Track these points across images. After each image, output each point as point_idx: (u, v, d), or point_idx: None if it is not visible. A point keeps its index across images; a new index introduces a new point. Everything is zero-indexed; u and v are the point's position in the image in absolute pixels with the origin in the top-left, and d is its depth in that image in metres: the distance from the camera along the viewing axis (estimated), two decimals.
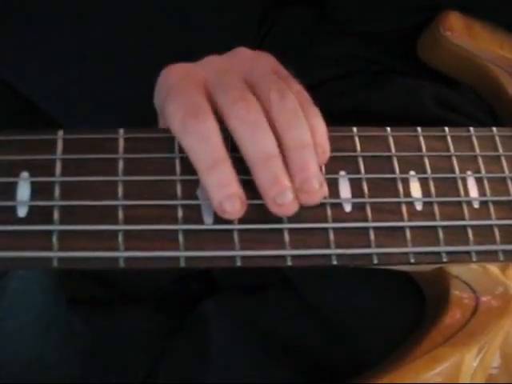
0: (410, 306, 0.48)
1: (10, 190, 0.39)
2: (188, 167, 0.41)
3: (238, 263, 0.40)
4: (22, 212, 0.38)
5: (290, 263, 0.40)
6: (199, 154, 0.40)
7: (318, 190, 0.40)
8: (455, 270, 0.45)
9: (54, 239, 0.38)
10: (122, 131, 0.41)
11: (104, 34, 0.57)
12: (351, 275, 0.49)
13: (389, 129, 0.44)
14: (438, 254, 0.41)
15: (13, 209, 0.38)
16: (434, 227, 0.42)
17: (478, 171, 0.44)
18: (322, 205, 0.41)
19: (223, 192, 0.39)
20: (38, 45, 0.57)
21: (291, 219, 0.40)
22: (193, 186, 0.40)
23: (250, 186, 0.40)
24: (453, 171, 0.44)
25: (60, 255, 0.38)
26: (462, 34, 0.50)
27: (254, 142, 0.40)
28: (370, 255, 0.41)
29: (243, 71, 0.43)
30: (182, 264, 0.39)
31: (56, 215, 0.39)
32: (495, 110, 0.53)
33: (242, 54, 0.45)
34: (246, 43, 0.60)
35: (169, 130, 0.41)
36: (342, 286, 0.50)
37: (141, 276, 0.54)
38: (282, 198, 0.39)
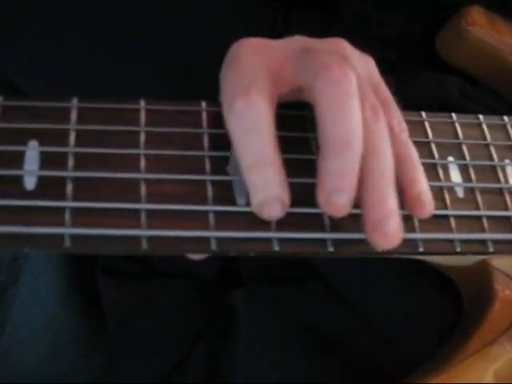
0: (445, 301, 0.45)
1: (16, 160, 0.34)
2: (217, 141, 0.37)
3: (276, 247, 0.35)
4: (29, 184, 0.33)
5: (331, 249, 0.36)
6: (243, 145, 0.34)
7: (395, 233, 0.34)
8: (496, 262, 0.42)
9: (67, 215, 0.33)
10: (142, 102, 0.37)
11: (111, 26, 0.53)
12: (384, 270, 0.46)
13: (424, 114, 0.42)
14: (484, 242, 0.39)
15: (20, 180, 0.33)
16: (479, 215, 0.39)
17: None
18: None
19: (262, 195, 0.34)
20: (37, 43, 0.54)
21: None
22: (223, 161, 0.37)
23: (290, 162, 0.36)
24: (491, 159, 0.42)
25: (73, 232, 0.33)
26: (484, 28, 0.48)
27: (339, 118, 0.33)
28: (415, 242, 0.38)
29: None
30: (213, 247, 0.35)
31: (69, 188, 0.34)
32: None
33: (342, 42, 0.37)
34: None
35: (194, 102, 0.38)
36: (376, 281, 0.47)
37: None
38: (338, 198, 0.33)
